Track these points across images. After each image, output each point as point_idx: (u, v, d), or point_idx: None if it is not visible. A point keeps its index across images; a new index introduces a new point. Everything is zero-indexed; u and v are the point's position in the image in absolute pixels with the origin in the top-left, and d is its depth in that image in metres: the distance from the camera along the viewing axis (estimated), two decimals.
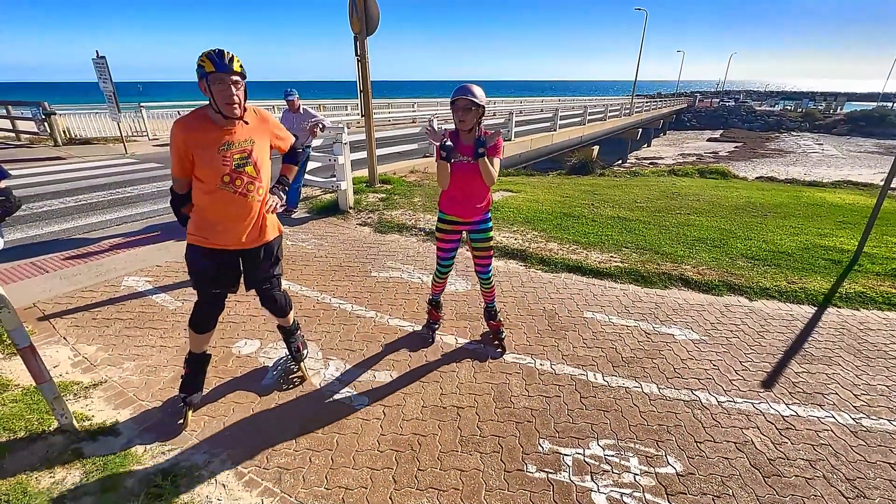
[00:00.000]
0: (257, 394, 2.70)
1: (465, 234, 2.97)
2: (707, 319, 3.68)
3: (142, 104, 14.34)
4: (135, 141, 13.21)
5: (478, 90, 2.52)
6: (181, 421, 2.45)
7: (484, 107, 2.57)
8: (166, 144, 12.86)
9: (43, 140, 12.50)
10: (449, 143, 2.57)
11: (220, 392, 2.70)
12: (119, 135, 11.49)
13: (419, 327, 3.43)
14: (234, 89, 2.02)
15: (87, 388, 2.69)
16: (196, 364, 2.53)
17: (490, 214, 2.92)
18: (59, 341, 3.17)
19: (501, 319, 3.25)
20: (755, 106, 57.29)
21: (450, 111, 2.63)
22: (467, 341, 3.29)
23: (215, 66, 1.96)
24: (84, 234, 5.41)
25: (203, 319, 2.42)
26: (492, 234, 2.94)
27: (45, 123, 12.08)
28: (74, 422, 2.35)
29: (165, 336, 3.26)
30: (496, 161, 2.65)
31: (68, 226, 5.69)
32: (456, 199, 2.78)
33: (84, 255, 4.70)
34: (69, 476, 2.08)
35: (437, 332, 3.36)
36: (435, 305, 3.32)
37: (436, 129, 2.65)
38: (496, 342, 3.21)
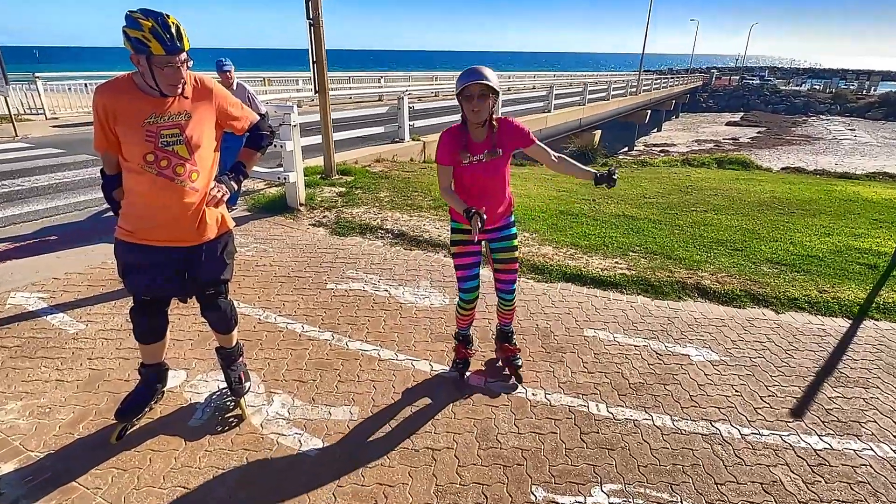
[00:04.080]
0: (183, 438, 2.61)
1: (484, 246, 2.96)
2: (728, 336, 3.77)
3: (38, 74, 13.85)
4: (28, 120, 12.74)
5: (490, 72, 2.46)
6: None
7: (499, 92, 2.55)
8: (68, 125, 12.49)
9: None
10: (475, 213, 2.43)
11: (135, 438, 2.60)
12: (7, 112, 11.04)
13: (385, 351, 3.40)
14: (182, 70, 2.06)
15: None
16: (145, 377, 2.65)
17: (514, 217, 2.93)
18: None
19: (517, 343, 3.23)
20: (780, 85, 59.62)
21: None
22: (444, 368, 3.27)
23: (165, 48, 1.96)
24: None
25: (141, 330, 2.49)
26: (517, 241, 2.93)
27: None
28: None
29: (63, 367, 3.12)
30: (540, 145, 2.75)
31: None
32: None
33: None
34: None
35: (463, 371, 3.17)
36: (463, 341, 3.16)
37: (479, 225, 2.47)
38: (508, 371, 3.17)
